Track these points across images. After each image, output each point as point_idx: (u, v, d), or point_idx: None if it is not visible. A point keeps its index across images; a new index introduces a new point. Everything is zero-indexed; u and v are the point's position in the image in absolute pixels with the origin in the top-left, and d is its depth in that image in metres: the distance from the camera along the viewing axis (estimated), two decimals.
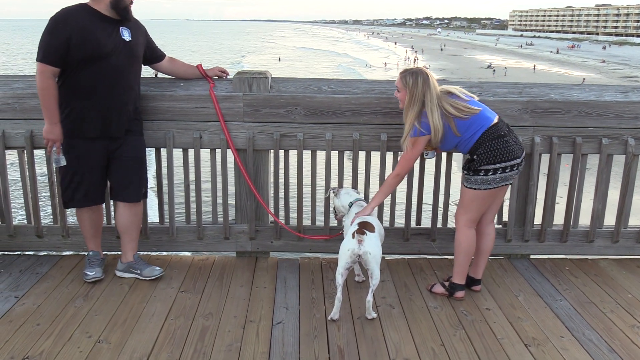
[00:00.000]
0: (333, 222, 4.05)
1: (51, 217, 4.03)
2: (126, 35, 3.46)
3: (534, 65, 63.46)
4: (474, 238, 3.47)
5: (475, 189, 3.34)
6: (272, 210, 3.97)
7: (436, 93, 3.28)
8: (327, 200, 3.98)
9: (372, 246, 3.18)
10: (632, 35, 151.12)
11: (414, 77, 3.28)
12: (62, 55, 3.27)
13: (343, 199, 3.71)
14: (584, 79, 47.70)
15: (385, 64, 63.98)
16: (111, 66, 3.38)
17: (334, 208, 3.83)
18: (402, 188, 3.80)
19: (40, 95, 3.32)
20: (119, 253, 3.81)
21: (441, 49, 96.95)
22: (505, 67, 58.88)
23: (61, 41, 3.25)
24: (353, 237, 3.17)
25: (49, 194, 3.91)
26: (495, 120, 3.33)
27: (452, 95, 3.34)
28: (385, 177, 3.64)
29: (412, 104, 3.29)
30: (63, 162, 3.44)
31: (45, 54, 3.27)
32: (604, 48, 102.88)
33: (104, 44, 3.35)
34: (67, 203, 3.65)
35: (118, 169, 3.59)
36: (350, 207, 3.64)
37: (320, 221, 4.06)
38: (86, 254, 3.76)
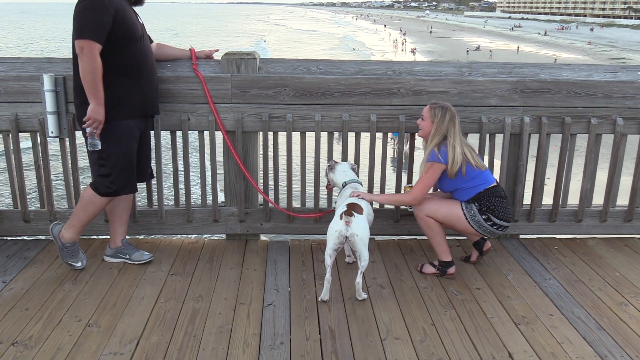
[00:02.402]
0: (323, 203, 4.04)
1: (38, 201, 3.99)
2: (139, 17, 3.44)
3: (518, 47, 63.52)
4: None
5: (466, 216, 3.45)
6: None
7: (460, 133, 3.46)
8: (316, 181, 3.96)
9: (360, 228, 3.17)
10: (619, 17, 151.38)
11: (443, 111, 3.45)
12: (107, 33, 3.14)
13: (338, 176, 3.68)
14: (555, 59, 47.70)
15: (354, 48, 63.10)
16: (144, 46, 3.38)
17: (326, 178, 3.79)
18: (391, 172, 3.78)
19: (90, 75, 3.11)
20: (107, 237, 3.77)
21: (430, 32, 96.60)
22: (491, 50, 58.77)
23: (108, 18, 3.12)
24: (341, 218, 3.16)
25: (35, 177, 3.87)
26: (496, 183, 3.54)
27: (470, 148, 3.53)
28: (375, 161, 3.61)
29: (435, 135, 3.45)
30: (98, 147, 3.30)
31: (93, 31, 3.09)
32: (592, 30, 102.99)
33: (136, 25, 3.32)
34: (119, 191, 3.40)
35: (142, 149, 3.57)
36: (343, 186, 3.62)
37: (310, 203, 4.05)
38: (63, 244, 3.49)
